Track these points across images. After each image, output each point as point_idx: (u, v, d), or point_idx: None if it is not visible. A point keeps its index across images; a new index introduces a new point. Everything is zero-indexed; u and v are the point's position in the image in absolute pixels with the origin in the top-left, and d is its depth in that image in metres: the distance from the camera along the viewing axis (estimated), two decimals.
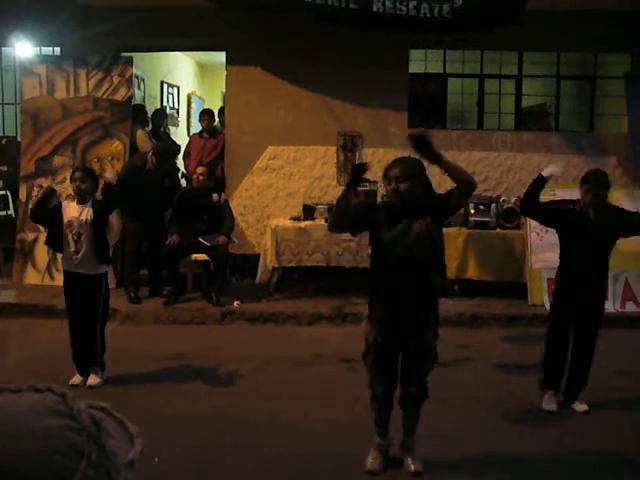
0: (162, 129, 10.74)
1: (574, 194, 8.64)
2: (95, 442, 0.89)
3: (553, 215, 5.55)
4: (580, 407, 5.43)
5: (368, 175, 4.57)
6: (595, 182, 5.36)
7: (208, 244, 8.30)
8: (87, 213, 5.88)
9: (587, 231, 5.30)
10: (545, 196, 8.67)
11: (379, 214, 4.28)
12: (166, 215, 8.79)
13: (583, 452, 4.73)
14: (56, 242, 6.02)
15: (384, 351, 4.25)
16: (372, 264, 4.40)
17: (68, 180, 6.49)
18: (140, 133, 9.54)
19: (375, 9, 7.91)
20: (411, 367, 4.26)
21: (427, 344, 4.22)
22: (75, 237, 5.85)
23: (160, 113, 10.82)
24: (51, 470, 0.85)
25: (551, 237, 8.44)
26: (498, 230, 8.84)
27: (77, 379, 5.88)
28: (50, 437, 0.86)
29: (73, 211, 5.92)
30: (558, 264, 5.57)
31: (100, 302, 5.92)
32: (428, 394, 4.32)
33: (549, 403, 5.45)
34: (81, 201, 5.92)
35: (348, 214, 4.28)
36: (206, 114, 10.26)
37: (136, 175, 8.36)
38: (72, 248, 5.86)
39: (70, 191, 6.80)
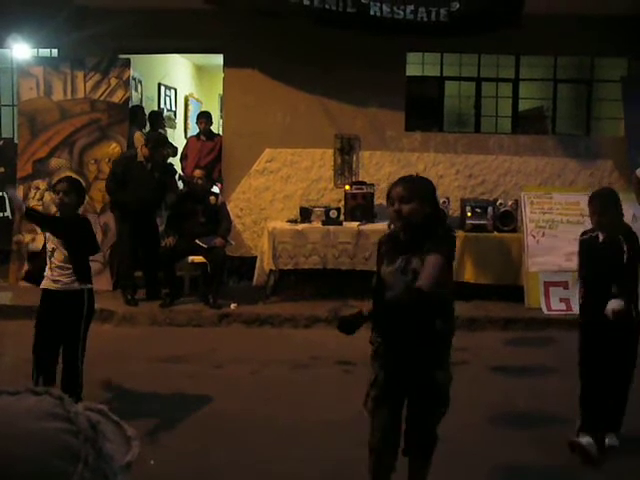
0: (160, 131, 10.75)
1: (570, 197, 8.77)
2: (92, 445, 0.89)
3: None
4: (612, 441, 4.91)
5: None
6: (598, 201, 4.95)
7: (205, 246, 8.30)
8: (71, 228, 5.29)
9: (597, 256, 4.94)
10: (542, 200, 8.78)
11: (383, 246, 3.78)
12: (160, 217, 8.80)
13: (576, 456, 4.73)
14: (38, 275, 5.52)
15: (386, 392, 3.76)
16: (373, 297, 3.81)
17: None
18: (137, 135, 9.55)
19: (372, 13, 7.93)
20: (417, 412, 3.76)
21: (435, 386, 3.67)
22: (49, 253, 5.35)
23: (157, 115, 10.83)
24: (48, 473, 0.85)
25: (548, 240, 8.51)
26: (495, 233, 8.86)
27: None
28: (47, 440, 0.87)
29: None
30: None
31: (81, 324, 5.32)
32: (436, 443, 3.80)
33: (589, 445, 4.80)
34: (63, 215, 5.40)
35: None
36: (203, 116, 10.25)
37: (126, 167, 8.40)
38: (47, 265, 5.35)
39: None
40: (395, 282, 3.63)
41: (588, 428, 4.81)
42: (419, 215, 3.60)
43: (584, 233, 5.20)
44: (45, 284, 5.42)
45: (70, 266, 5.30)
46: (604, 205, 4.93)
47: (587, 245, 5.06)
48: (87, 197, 8.85)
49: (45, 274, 5.40)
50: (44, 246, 5.61)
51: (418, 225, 3.61)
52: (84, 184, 8.35)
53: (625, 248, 4.82)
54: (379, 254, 3.82)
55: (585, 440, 4.73)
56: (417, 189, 3.66)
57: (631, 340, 4.92)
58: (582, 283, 5.13)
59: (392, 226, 3.81)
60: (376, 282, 3.77)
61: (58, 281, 5.33)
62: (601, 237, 4.93)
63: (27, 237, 9.10)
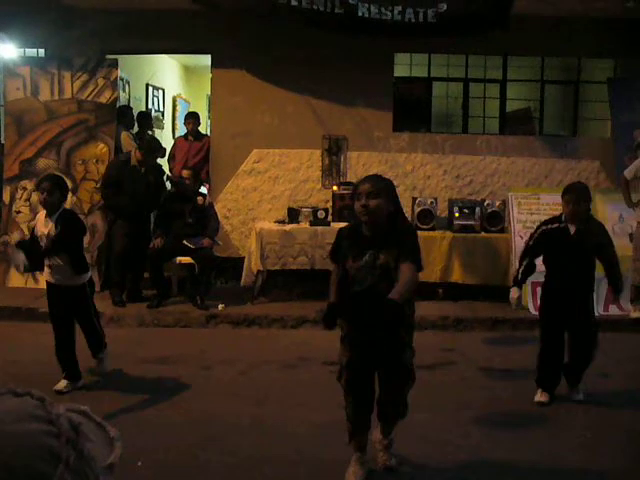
0: (148, 132, 10.71)
1: (557, 198, 8.78)
2: (73, 447, 0.89)
3: (538, 249, 5.62)
4: (576, 396, 5.67)
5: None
6: (574, 193, 5.39)
7: (193, 247, 8.28)
8: (52, 227, 5.59)
9: (567, 246, 5.39)
10: (529, 200, 8.81)
11: (346, 240, 4.07)
12: (151, 218, 8.76)
13: (566, 456, 4.75)
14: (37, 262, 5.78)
15: (357, 374, 4.14)
16: (341, 288, 4.13)
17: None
18: (124, 135, 9.51)
19: (360, 14, 7.94)
20: (388, 390, 4.17)
21: (403, 365, 4.11)
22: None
23: (146, 115, 10.79)
24: (28, 475, 0.84)
25: None
26: (483, 234, 8.88)
27: (62, 384, 5.71)
28: (28, 442, 0.86)
29: (42, 225, 5.66)
30: (545, 273, 5.73)
31: (90, 304, 5.89)
32: (407, 412, 4.28)
33: (540, 396, 5.67)
34: (50, 213, 5.62)
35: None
36: (191, 117, 10.23)
37: (120, 171, 8.35)
38: (46, 262, 5.66)
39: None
40: (363, 276, 3.90)
41: (543, 385, 5.66)
42: (384, 210, 3.90)
43: (548, 222, 5.60)
44: (49, 279, 5.76)
45: (68, 264, 5.64)
46: (580, 197, 5.36)
47: (556, 235, 5.43)
48: (75, 198, 8.90)
49: (46, 270, 5.72)
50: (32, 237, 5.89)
51: (383, 220, 3.91)
52: (70, 184, 8.32)
53: (604, 241, 5.48)
54: (340, 247, 4.09)
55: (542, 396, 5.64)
56: (383, 186, 3.98)
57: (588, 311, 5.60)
58: (546, 265, 5.66)
59: (352, 222, 4.16)
60: (342, 274, 4.04)
61: (60, 279, 5.68)
62: (572, 230, 5.37)
63: (14, 238, 9.04)
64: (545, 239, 5.51)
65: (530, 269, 5.67)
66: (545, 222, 5.66)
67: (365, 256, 3.89)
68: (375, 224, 3.92)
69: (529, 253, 5.65)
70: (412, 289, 3.82)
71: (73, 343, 5.80)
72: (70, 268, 5.66)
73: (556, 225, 5.46)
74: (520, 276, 5.69)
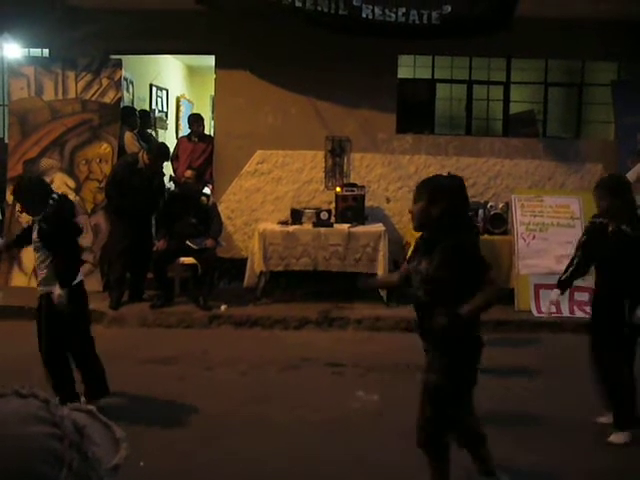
0: (148, 130, 10.72)
1: (560, 200, 8.80)
2: (77, 450, 0.89)
3: (585, 252, 5.08)
4: (614, 437, 4.97)
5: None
6: (600, 188, 4.88)
7: (196, 247, 8.29)
8: (35, 229, 5.16)
9: (604, 245, 4.87)
10: (533, 202, 8.80)
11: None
12: (153, 219, 8.76)
13: (567, 456, 4.74)
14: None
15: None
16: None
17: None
18: (128, 135, 9.51)
19: (364, 16, 7.93)
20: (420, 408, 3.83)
21: (428, 386, 3.72)
22: (34, 253, 5.28)
23: (146, 114, 10.79)
24: (31, 478, 0.84)
25: (538, 243, 8.54)
26: (486, 236, 8.85)
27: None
28: (31, 445, 0.86)
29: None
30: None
31: (58, 325, 5.24)
32: (431, 442, 3.86)
33: (616, 436, 4.99)
34: (34, 216, 5.20)
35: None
36: (196, 119, 10.22)
37: (126, 172, 8.34)
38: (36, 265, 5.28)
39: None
40: (414, 279, 3.71)
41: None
42: (425, 216, 3.60)
43: (595, 216, 5.10)
44: (39, 289, 5.34)
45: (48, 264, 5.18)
46: (607, 192, 4.82)
47: (596, 231, 4.96)
48: (78, 197, 8.89)
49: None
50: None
51: (429, 225, 3.63)
52: (74, 184, 8.31)
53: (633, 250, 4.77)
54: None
55: None
56: (426, 189, 3.65)
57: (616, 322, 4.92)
58: (596, 273, 5.09)
59: None
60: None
61: (42, 287, 5.23)
62: (610, 227, 4.83)
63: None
64: (588, 234, 5.04)
65: (580, 269, 5.12)
66: (594, 216, 5.11)
67: (415, 260, 3.71)
68: (420, 229, 3.72)
69: (580, 250, 5.12)
70: (485, 307, 3.56)
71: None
72: (51, 274, 5.15)
73: (599, 221, 4.94)
74: (564, 276, 5.11)
